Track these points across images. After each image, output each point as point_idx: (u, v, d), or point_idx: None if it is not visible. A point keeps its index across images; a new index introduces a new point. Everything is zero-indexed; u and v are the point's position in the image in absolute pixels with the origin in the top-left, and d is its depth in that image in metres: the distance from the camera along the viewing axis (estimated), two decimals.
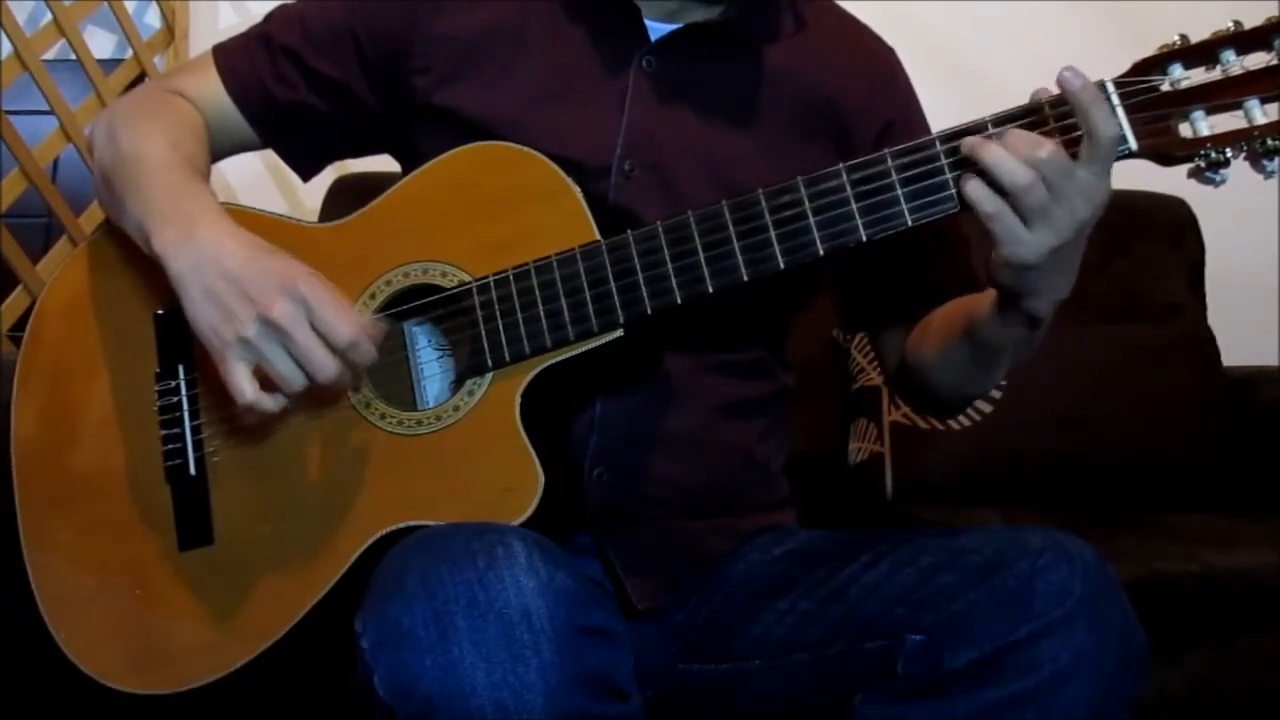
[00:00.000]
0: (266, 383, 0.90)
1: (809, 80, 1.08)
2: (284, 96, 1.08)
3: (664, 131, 1.03)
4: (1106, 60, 0.91)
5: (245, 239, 0.93)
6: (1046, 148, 0.83)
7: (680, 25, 1.05)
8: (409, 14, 1.06)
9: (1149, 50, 0.87)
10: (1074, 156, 0.84)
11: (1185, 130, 0.86)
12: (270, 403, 0.91)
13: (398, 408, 0.96)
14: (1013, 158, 0.84)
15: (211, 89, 1.08)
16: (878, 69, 1.14)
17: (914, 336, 1.10)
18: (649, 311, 0.92)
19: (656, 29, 1.06)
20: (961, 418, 1.73)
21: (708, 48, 1.06)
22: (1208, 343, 1.87)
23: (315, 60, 1.07)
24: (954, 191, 0.88)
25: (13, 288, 1.77)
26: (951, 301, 1.07)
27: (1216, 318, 1.94)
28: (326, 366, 0.88)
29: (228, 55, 1.10)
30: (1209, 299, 1.98)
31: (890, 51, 1.16)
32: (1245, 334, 1.97)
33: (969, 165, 0.86)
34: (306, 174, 1.15)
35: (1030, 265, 0.86)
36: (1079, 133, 0.85)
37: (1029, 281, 0.88)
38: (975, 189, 0.85)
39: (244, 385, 0.89)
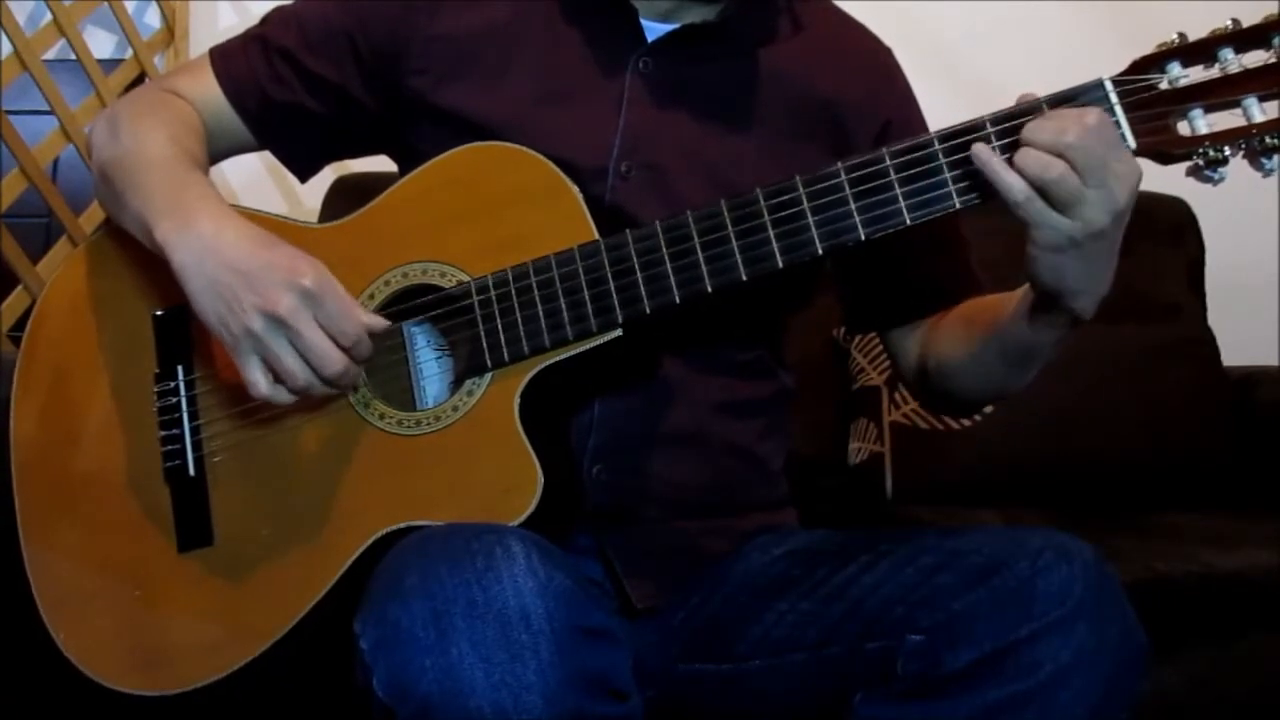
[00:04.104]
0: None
1: (806, 81, 1.08)
2: (280, 98, 1.08)
3: (661, 132, 1.03)
4: (1106, 59, 0.91)
5: (246, 229, 0.93)
6: (1072, 132, 0.82)
7: (677, 26, 1.05)
8: (406, 15, 1.06)
9: (1148, 49, 0.87)
10: None
11: (1184, 128, 0.86)
12: (286, 395, 0.91)
13: (397, 408, 0.96)
14: (1039, 151, 0.83)
15: (209, 91, 1.08)
16: (876, 69, 1.13)
17: (935, 337, 1.09)
18: (648, 311, 0.92)
19: (653, 29, 1.06)
20: (962, 418, 1.73)
21: (705, 48, 1.05)
22: (1208, 343, 1.87)
23: (311, 62, 1.07)
24: (953, 190, 0.88)
25: (13, 288, 1.77)
26: (978, 299, 1.07)
27: (1216, 318, 1.94)
28: (332, 363, 0.88)
29: (224, 58, 1.10)
30: (1209, 299, 1.98)
31: (888, 52, 1.16)
32: (1245, 334, 1.97)
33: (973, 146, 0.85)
34: (304, 175, 1.15)
35: (1064, 250, 0.85)
36: None
37: (1067, 274, 0.87)
38: (1003, 175, 0.84)
39: (258, 379, 0.90)
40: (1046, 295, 0.91)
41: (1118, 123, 0.85)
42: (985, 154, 0.85)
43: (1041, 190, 0.83)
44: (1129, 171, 0.83)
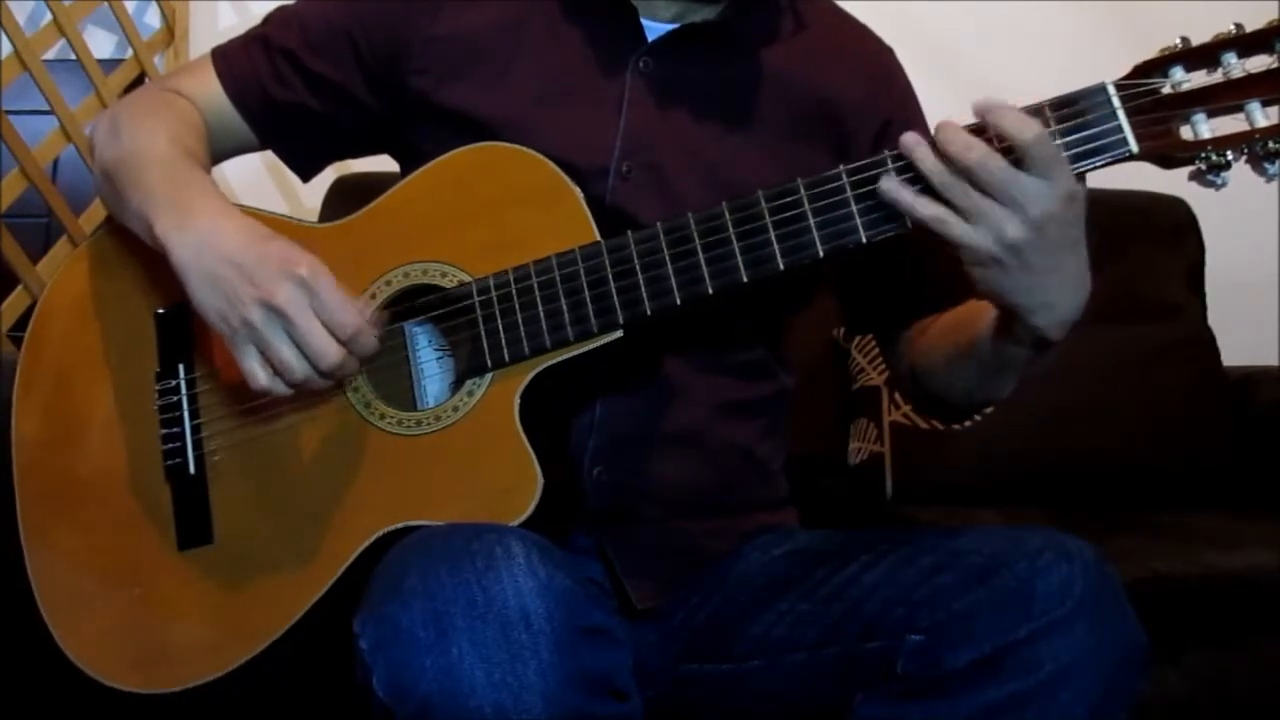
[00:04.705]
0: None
1: (807, 81, 1.08)
2: (282, 97, 1.08)
3: (661, 133, 1.03)
4: (1108, 62, 0.91)
5: (244, 224, 0.93)
6: (976, 150, 0.82)
7: (678, 26, 1.05)
8: (407, 15, 1.07)
9: (1148, 49, 0.87)
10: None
11: (1186, 133, 0.85)
12: (284, 388, 0.91)
13: (398, 408, 0.96)
14: (933, 155, 0.83)
15: (210, 91, 1.08)
16: (876, 69, 1.13)
17: (922, 342, 1.09)
18: (648, 312, 0.92)
19: (654, 29, 1.06)
20: (952, 424, 1.72)
21: (705, 48, 1.05)
22: (1208, 343, 1.87)
23: (313, 61, 1.07)
24: None
25: (13, 288, 1.77)
26: (962, 308, 1.07)
27: (1216, 318, 1.94)
28: (328, 354, 0.88)
29: (226, 58, 1.10)
30: (1209, 299, 1.98)
31: (889, 51, 1.16)
32: (1245, 334, 1.97)
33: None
34: (306, 174, 1.15)
35: (984, 264, 0.84)
36: (1083, 133, 0.85)
37: (1006, 290, 0.86)
38: (887, 184, 0.85)
39: (256, 370, 0.90)
40: (1002, 311, 0.91)
41: (1120, 126, 0.85)
42: (909, 139, 0.85)
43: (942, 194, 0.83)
44: (1040, 191, 0.82)
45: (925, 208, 0.85)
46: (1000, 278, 0.85)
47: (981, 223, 0.83)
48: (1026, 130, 0.82)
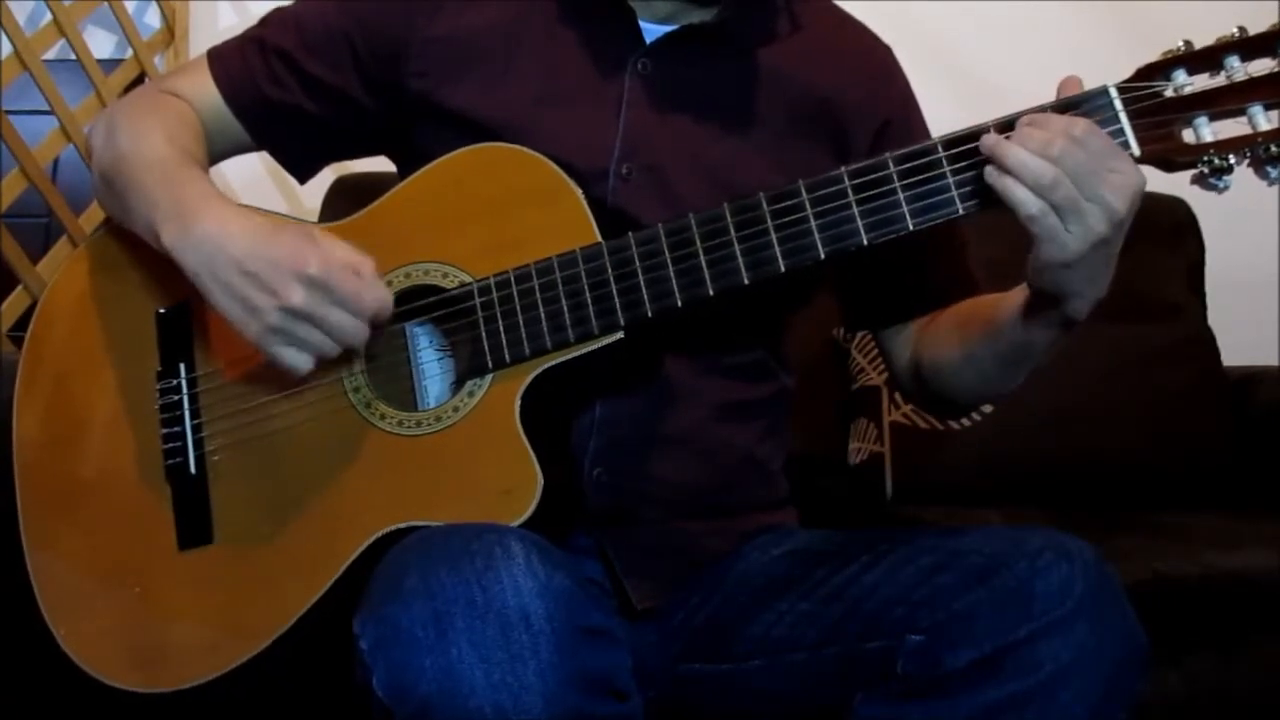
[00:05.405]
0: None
1: (805, 80, 1.08)
2: (278, 99, 1.08)
3: (660, 134, 1.03)
4: (1106, 61, 0.91)
5: (248, 224, 0.92)
6: (1058, 144, 0.82)
7: (676, 27, 1.05)
8: (406, 16, 1.06)
9: (1149, 49, 0.87)
10: None
11: (1189, 136, 0.85)
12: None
13: (398, 408, 0.96)
14: (1032, 155, 0.83)
15: (206, 92, 1.08)
16: (875, 68, 1.13)
17: (929, 336, 1.09)
18: (649, 314, 0.92)
19: (652, 31, 1.06)
20: (954, 419, 1.73)
21: (703, 49, 1.06)
22: (1208, 343, 1.87)
23: (309, 63, 1.07)
24: (956, 195, 0.88)
25: (13, 288, 1.77)
26: (973, 300, 1.07)
27: (1216, 318, 1.94)
28: (358, 334, 0.90)
29: (221, 59, 1.09)
30: (1209, 299, 1.98)
31: (887, 50, 1.16)
32: (1245, 334, 1.97)
33: (985, 165, 0.85)
34: (302, 176, 1.15)
35: (1070, 264, 0.85)
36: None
37: (1070, 282, 0.87)
38: (1015, 190, 0.83)
39: (296, 362, 0.91)
40: (1044, 299, 0.91)
41: (1121, 130, 0.85)
42: (995, 173, 0.85)
43: (1044, 197, 0.83)
44: (1125, 181, 0.83)
45: (1029, 196, 0.83)
46: (1072, 273, 0.86)
47: (1077, 220, 0.83)
48: (1075, 125, 0.82)
